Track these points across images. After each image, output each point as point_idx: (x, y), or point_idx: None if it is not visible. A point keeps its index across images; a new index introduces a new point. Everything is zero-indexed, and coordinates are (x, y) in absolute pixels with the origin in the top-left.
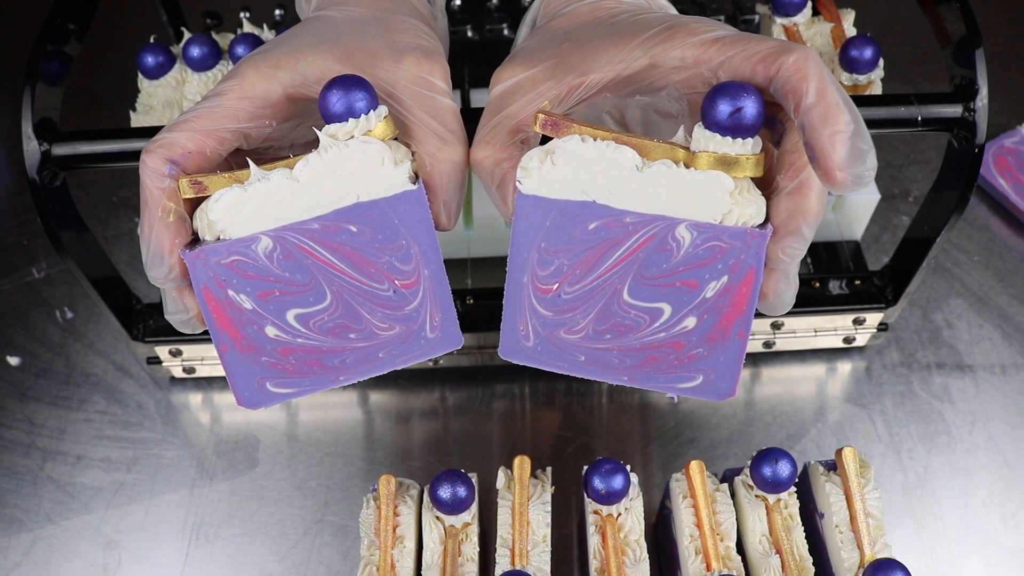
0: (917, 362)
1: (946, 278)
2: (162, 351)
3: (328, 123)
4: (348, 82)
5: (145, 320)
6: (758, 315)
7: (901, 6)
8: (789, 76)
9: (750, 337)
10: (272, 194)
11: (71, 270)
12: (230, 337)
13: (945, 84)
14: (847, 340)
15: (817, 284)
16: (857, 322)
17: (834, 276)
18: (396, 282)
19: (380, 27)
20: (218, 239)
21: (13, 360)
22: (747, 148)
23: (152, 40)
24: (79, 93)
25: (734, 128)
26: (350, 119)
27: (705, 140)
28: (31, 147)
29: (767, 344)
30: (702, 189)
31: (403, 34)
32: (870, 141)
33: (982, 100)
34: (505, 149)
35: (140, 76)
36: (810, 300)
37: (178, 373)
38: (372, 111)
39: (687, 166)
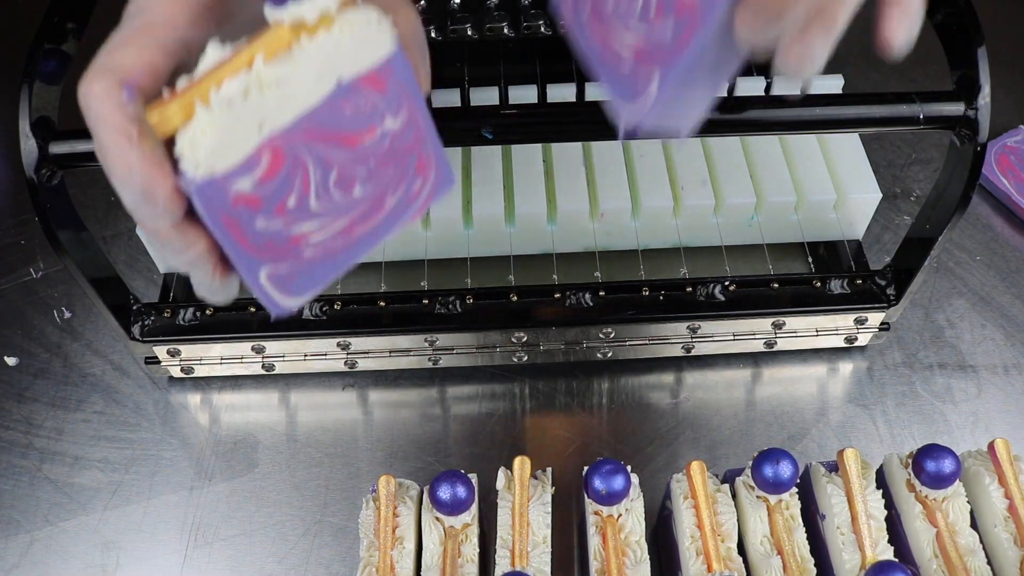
0: (919, 362)
1: (948, 278)
2: (160, 351)
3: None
4: None
5: (143, 320)
6: (756, 315)
7: None
8: None
9: (751, 337)
10: (258, 107)
11: (69, 270)
12: (256, 255)
13: (947, 83)
14: (849, 340)
15: (818, 284)
16: (859, 322)
17: (836, 275)
18: (390, 134)
19: None
20: (212, 171)
21: (11, 360)
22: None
23: None
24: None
25: None
26: None
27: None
28: (29, 146)
29: (768, 344)
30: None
31: None
32: None
33: (984, 98)
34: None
35: None
36: (811, 300)
37: (176, 373)
38: None
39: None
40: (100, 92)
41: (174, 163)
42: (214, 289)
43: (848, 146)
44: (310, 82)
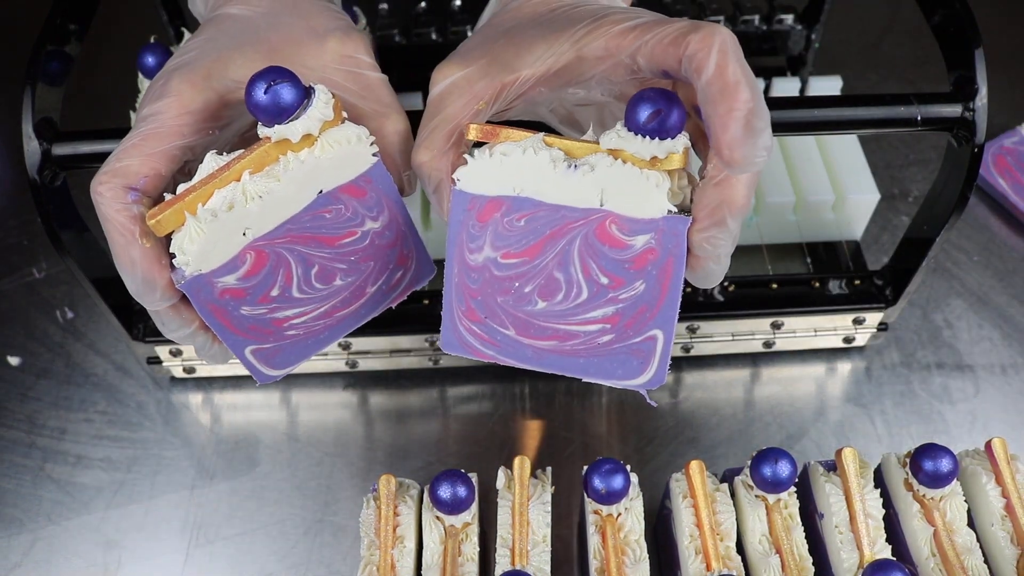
0: (917, 362)
1: (946, 278)
2: (162, 351)
3: (272, 121)
4: (275, 75)
5: (145, 320)
6: (754, 315)
7: (901, 6)
8: (694, 53)
9: (750, 337)
10: (242, 216)
11: (71, 270)
12: (242, 336)
13: (945, 84)
14: (847, 340)
15: (817, 284)
16: (857, 322)
17: (834, 276)
18: (371, 233)
19: (294, 16)
20: (199, 270)
21: (13, 360)
22: (668, 148)
23: (152, 40)
24: (79, 93)
25: (657, 132)
26: (300, 114)
27: (627, 142)
28: (31, 147)
29: (767, 344)
30: (633, 185)
31: (317, 18)
32: (767, 120)
33: (981, 100)
34: (442, 154)
35: (140, 76)
36: (810, 300)
37: (178, 373)
38: (316, 99)
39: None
40: (108, 193)
41: (172, 256)
42: (213, 354)
43: (847, 147)
44: (293, 193)
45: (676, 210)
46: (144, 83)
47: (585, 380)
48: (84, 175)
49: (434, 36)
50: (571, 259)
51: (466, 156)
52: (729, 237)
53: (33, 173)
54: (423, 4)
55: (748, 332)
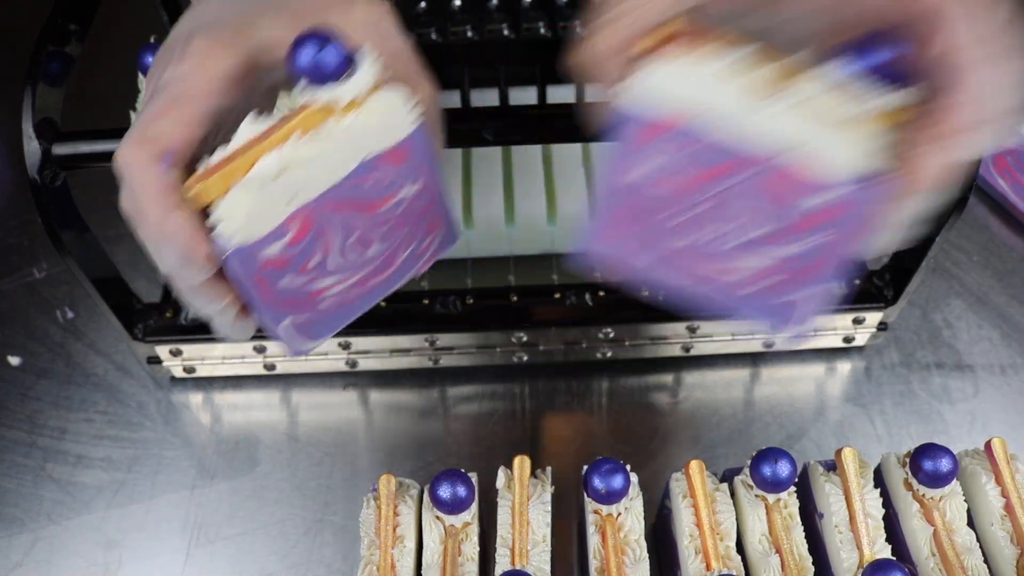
0: (916, 362)
1: (945, 278)
2: (162, 351)
3: (317, 85)
4: (322, 37)
5: (146, 320)
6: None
7: None
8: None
9: (750, 337)
10: (288, 184)
11: (72, 270)
12: (280, 308)
13: None
14: (847, 340)
15: None
16: (857, 322)
17: None
18: (406, 200)
19: None
20: (245, 240)
21: (14, 360)
22: (879, 105)
23: (152, 40)
24: (79, 93)
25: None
26: (348, 77)
27: (831, 90)
28: (32, 147)
29: (767, 344)
30: (831, 136)
31: None
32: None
33: None
34: (623, 50)
35: (140, 76)
36: None
37: (179, 373)
38: (363, 62)
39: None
40: (139, 162)
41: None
42: (235, 330)
43: None
44: (338, 160)
45: (870, 170)
46: (144, 83)
47: (731, 320)
48: (84, 175)
49: (434, 36)
50: (745, 198)
51: (647, 63)
52: (915, 210)
53: (33, 173)
54: (423, 4)
55: (748, 332)
